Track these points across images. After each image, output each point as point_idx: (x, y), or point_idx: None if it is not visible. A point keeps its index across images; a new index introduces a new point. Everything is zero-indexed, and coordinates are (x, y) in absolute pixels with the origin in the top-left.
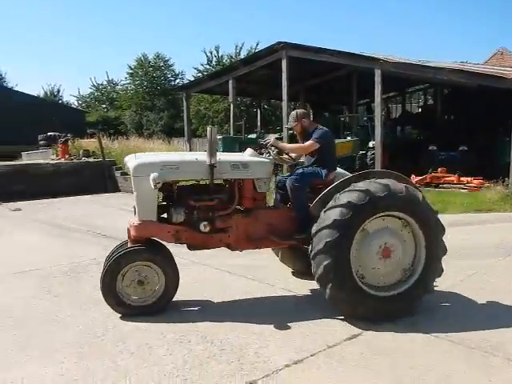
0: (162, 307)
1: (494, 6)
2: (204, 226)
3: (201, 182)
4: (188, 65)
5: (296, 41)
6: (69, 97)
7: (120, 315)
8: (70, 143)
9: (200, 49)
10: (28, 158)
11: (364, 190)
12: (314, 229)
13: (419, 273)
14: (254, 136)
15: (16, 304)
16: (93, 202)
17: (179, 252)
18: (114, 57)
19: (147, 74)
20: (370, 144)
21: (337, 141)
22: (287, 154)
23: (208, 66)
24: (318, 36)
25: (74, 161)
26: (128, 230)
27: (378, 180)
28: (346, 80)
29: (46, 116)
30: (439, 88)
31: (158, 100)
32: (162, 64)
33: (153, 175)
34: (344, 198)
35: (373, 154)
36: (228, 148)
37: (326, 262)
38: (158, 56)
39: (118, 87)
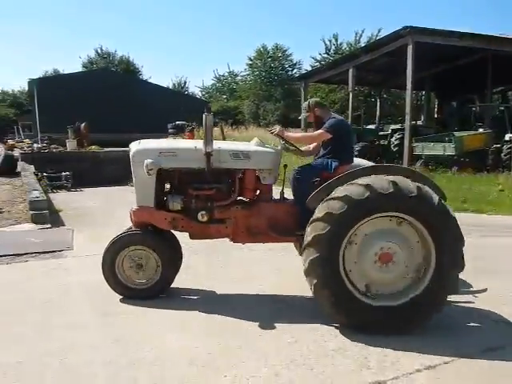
0: (160, 291)
1: None
2: (202, 216)
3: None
4: (305, 54)
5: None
6: (193, 88)
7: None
8: (195, 132)
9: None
10: None
11: (365, 184)
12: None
13: (425, 287)
14: (372, 127)
15: None
16: None
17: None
18: (236, 48)
19: (266, 65)
20: (507, 137)
21: (466, 133)
22: (293, 145)
23: (326, 55)
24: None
25: None
26: (130, 214)
27: (388, 176)
28: (478, 66)
29: (174, 106)
30: None
31: (275, 90)
32: (280, 54)
33: (146, 161)
34: (342, 191)
35: (509, 148)
36: None
37: (312, 257)
38: (277, 47)
39: (238, 78)
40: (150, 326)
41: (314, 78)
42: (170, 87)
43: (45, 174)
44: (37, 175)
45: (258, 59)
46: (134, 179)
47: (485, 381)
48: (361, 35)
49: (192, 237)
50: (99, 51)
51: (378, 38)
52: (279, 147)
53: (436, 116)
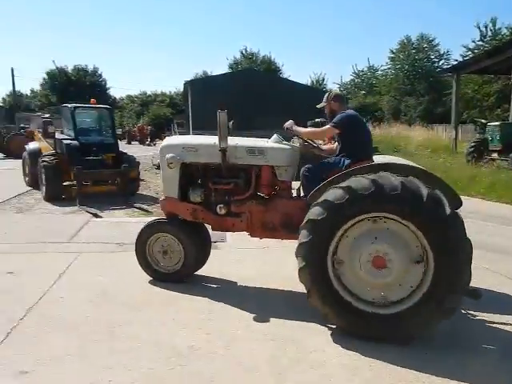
0: (185, 276)
1: None
2: (220, 209)
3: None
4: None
5: None
6: (331, 85)
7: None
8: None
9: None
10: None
11: (345, 186)
12: None
13: (414, 301)
14: None
15: None
16: None
17: None
18: (376, 42)
19: (409, 57)
20: None
21: None
22: (309, 141)
23: (480, 43)
24: None
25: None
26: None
27: (374, 175)
28: None
29: (313, 103)
30: None
31: (418, 84)
32: (425, 45)
33: (167, 156)
34: (324, 195)
35: None
36: (507, 136)
37: (300, 266)
38: (422, 37)
39: (378, 73)
40: None
41: (467, 68)
42: (309, 84)
43: None
44: None
45: (401, 52)
46: (161, 172)
47: None
48: None
49: (213, 228)
50: (244, 52)
51: None
52: (297, 145)
53: None
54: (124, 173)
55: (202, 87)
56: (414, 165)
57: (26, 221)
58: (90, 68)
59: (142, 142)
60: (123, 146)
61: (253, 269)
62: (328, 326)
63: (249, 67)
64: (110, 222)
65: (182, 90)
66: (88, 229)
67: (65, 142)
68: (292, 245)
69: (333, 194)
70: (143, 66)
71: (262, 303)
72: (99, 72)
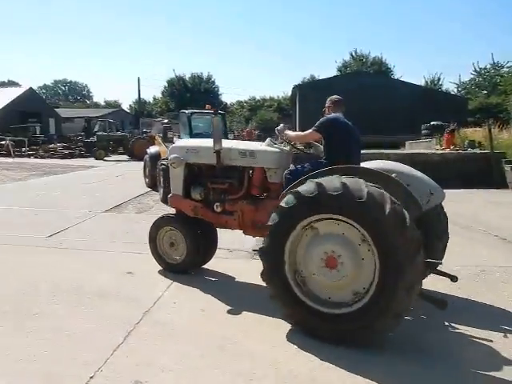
0: (187, 268)
1: None
2: (216, 207)
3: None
4: None
5: None
6: (448, 84)
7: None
8: (455, 133)
9: None
10: (410, 148)
11: (294, 191)
12: None
13: (364, 303)
14: None
15: None
16: (480, 196)
17: None
18: (500, 36)
19: None
20: None
21: None
22: (294, 145)
23: None
24: None
25: (460, 152)
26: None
27: (327, 178)
28: None
29: (427, 105)
30: None
31: None
32: None
33: (171, 156)
34: (283, 199)
35: None
36: None
37: (262, 269)
38: None
39: (504, 70)
40: None
41: None
42: (422, 85)
43: None
44: None
45: None
46: (169, 171)
47: None
48: None
49: (213, 225)
50: (353, 54)
51: None
52: (287, 148)
53: None
54: None
55: (309, 91)
56: (379, 170)
57: (146, 221)
58: (205, 75)
59: None
60: None
61: None
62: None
63: (358, 69)
64: None
65: (289, 94)
66: None
67: None
68: None
69: (285, 199)
70: (253, 72)
71: None
72: (213, 79)
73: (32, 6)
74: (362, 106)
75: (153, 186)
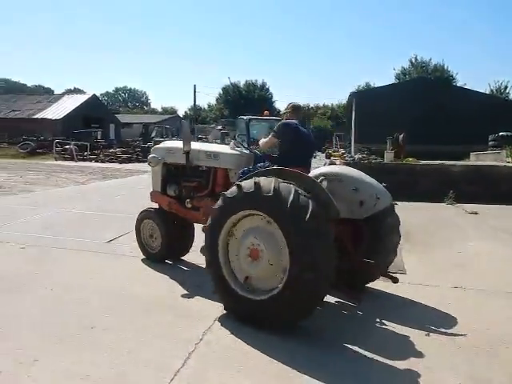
0: (163, 257)
1: None
2: (187, 203)
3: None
4: None
5: None
6: None
7: None
8: None
9: None
10: (476, 159)
11: (238, 184)
12: None
13: (278, 289)
14: None
15: None
16: None
17: None
18: None
19: None
20: None
21: None
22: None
23: None
24: None
25: None
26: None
27: (251, 179)
28: None
29: (494, 114)
30: None
31: None
32: None
33: (149, 156)
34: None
35: None
36: None
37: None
38: None
39: None
40: None
41: None
42: (488, 93)
43: None
44: None
45: None
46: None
47: None
48: None
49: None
50: (413, 61)
51: None
52: (247, 151)
53: None
54: None
55: (366, 99)
56: (308, 176)
57: None
58: (259, 83)
59: None
60: None
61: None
62: None
63: (418, 76)
64: None
65: (343, 102)
66: None
67: None
68: None
69: (230, 189)
70: (307, 79)
71: None
72: (267, 86)
73: (98, 24)
74: (422, 114)
75: None
